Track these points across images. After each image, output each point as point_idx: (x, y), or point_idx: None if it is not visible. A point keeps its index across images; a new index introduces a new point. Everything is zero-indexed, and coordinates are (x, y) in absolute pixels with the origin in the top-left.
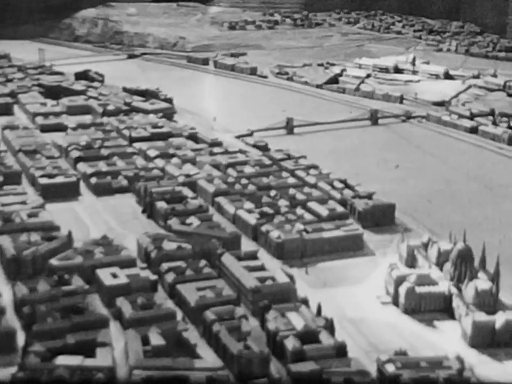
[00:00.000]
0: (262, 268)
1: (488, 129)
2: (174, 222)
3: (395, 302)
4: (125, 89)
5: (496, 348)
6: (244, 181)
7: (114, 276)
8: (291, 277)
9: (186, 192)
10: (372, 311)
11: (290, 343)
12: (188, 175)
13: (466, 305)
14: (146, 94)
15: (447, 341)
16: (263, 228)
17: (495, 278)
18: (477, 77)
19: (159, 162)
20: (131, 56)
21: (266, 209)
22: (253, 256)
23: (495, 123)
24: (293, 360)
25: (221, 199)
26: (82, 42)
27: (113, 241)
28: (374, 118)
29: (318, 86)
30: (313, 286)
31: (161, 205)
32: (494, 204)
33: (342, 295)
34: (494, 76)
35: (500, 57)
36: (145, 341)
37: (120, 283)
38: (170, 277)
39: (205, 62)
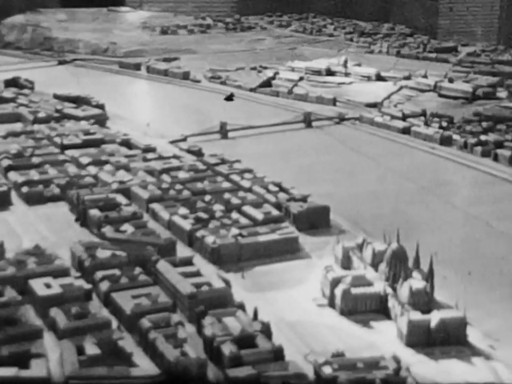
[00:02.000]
0: (197, 274)
1: (420, 129)
2: (108, 230)
3: (331, 304)
4: (55, 96)
5: (431, 347)
6: (178, 186)
7: (48, 286)
8: (227, 282)
9: (120, 199)
10: (309, 314)
11: (227, 348)
12: (121, 182)
13: (401, 305)
14: (78, 101)
15: (383, 341)
16: (198, 233)
17: (429, 277)
18: (408, 78)
19: (92, 170)
20: (62, 62)
21: (201, 214)
22: (188, 262)
23: (427, 124)
24: (230, 365)
25: (155, 205)
26: (12, 49)
27: (46, 251)
28: (307, 120)
29: (252, 90)
30: (249, 290)
31: (94, 212)
32: (427, 203)
33: (279, 299)
34: (425, 76)
35: (430, 58)
36: (80, 350)
37: (53, 293)
38: (104, 286)
39: (137, 67)
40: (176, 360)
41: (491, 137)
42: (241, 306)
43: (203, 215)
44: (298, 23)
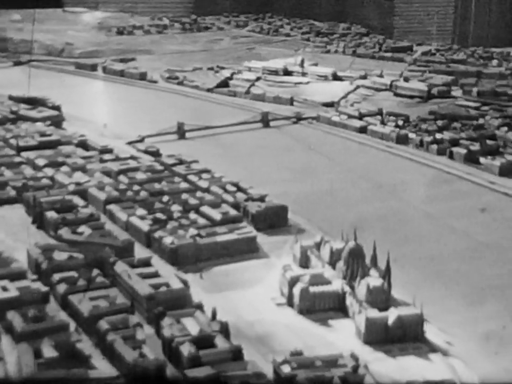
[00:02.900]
0: (156, 275)
1: (376, 128)
2: (65, 232)
3: (290, 303)
4: (11, 98)
5: (389, 344)
6: (135, 187)
7: (4, 289)
8: (185, 283)
9: (77, 200)
10: (267, 313)
11: (186, 349)
12: (78, 183)
13: (359, 303)
14: (34, 102)
15: (341, 339)
16: (156, 234)
17: (386, 275)
18: (364, 77)
19: (48, 171)
20: (17, 64)
21: (159, 215)
22: (146, 263)
23: (383, 122)
24: (189, 365)
25: (112, 207)
26: None
27: (3, 254)
28: (265, 120)
29: (209, 90)
30: (208, 291)
31: (51, 214)
32: (384, 201)
33: (238, 298)
34: (381, 76)
35: (386, 58)
36: (37, 353)
37: (10, 296)
38: (62, 288)
39: (94, 68)
40: (135, 361)
41: (446, 135)
42: (200, 307)
43: (161, 216)
44: (255, 23)
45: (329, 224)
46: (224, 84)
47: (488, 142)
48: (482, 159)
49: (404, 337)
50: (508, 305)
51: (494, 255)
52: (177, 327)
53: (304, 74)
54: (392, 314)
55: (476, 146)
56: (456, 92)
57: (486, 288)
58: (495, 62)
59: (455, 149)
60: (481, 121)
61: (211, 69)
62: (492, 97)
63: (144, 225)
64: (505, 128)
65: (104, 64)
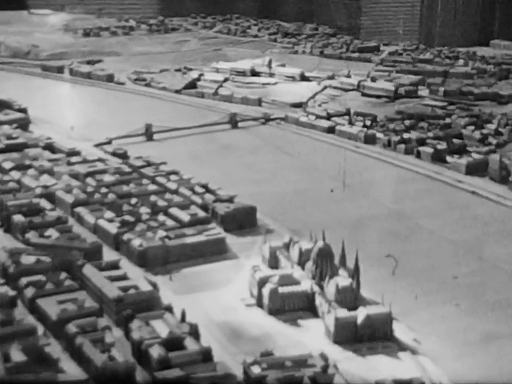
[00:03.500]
0: (124, 277)
1: (344, 128)
2: (32, 235)
3: (259, 304)
4: None
5: (359, 343)
6: (103, 189)
7: None
8: (154, 285)
9: (44, 204)
10: (237, 314)
11: (155, 351)
12: (45, 186)
13: (328, 303)
14: None
15: (311, 339)
16: (125, 237)
17: (355, 274)
18: (331, 77)
19: (15, 175)
20: None
21: (127, 217)
22: (114, 265)
23: (351, 122)
24: (159, 368)
25: (80, 209)
26: None
27: None
28: (233, 121)
29: (177, 91)
30: (177, 292)
31: (18, 218)
32: (352, 201)
33: (207, 300)
34: (348, 76)
35: (353, 58)
36: (6, 357)
37: None
38: (29, 292)
39: (60, 70)
40: (104, 364)
41: (414, 134)
42: (169, 309)
43: (129, 218)
44: (223, 24)
45: (298, 225)
46: (192, 85)
47: (455, 141)
48: (449, 158)
49: (373, 336)
50: (477, 303)
51: (462, 253)
52: (146, 330)
53: (271, 75)
54: (361, 314)
55: (442, 146)
56: (423, 91)
57: (456, 286)
58: (461, 61)
59: (422, 148)
60: (447, 120)
61: (178, 70)
62: (458, 97)
63: (112, 228)
64: (472, 127)
65: (71, 66)
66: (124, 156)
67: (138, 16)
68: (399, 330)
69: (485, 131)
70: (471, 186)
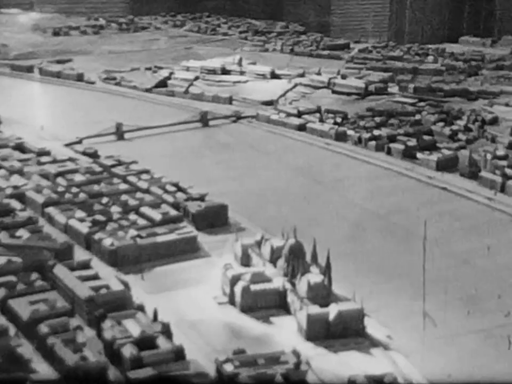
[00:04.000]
0: (95, 277)
1: (315, 126)
2: (2, 236)
3: (232, 302)
4: None
5: (331, 340)
6: (74, 189)
7: None
8: (126, 284)
9: (15, 204)
10: (210, 312)
11: (128, 351)
12: (15, 187)
13: (300, 300)
14: None
15: (284, 336)
16: (96, 236)
17: (326, 271)
18: (302, 75)
19: None
20: None
21: (98, 217)
22: (86, 265)
23: (321, 120)
24: (131, 367)
25: (51, 210)
26: None
27: None
28: (204, 119)
29: (147, 90)
30: (149, 292)
31: None
32: (324, 198)
33: (179, 299)
34: (319, 74)
35: (323, 56)
36: None
37: None
38: (1, 293)
39: (30, 69)
40: (76, 364)
41: (384, 131)
42: (141, 308)
43: (100, 218)
44: (193, 23)
45: (270, 222)
46: (162, 83)
47: (425, 137)
48: (419, 155)
49: (345, 332)
50: (448, 298)
51: (433, 249)
52: (118, 329)
53: (242, 73)
54: (333, 310)
55: (413, 142)
56: (393, 88)
57: (427, 281)
58: (430, 58)
59: (392, 145)
60: (418, 117)
61: (149, 69)
62: (428, 93)
63: (84, 228)
64: (442, 124)
65: (41, 66)
66: (94, 155)
67: (108, 15)
68: (371, 327)
69: (454, 127)
70: (442, 182)
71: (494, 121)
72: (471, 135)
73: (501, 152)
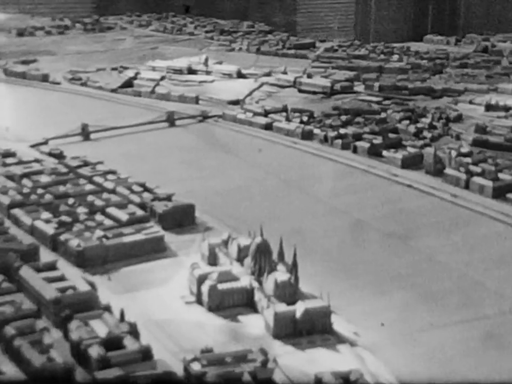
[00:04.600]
0: (62, 278)
1: (282, 125)
2: None
3: (199, 301)
4: None
5: (298, 337)
6: (40, 190)
7: None
8: (92, 285)
9: None
10: (177, 312)
11: (95, 351)
12: None
13: (267, 298)
14: None
15: (251, 334)
16: (62, 237)
17: (293, 269)
18: (268, 74)
19: None
20: None
21: (64, 218)
22: (52, 267)
23: (288, 119)
24: (98, 367)
25: (16, 211)
26: None
27: None
28: (171, 119)
29: (113, 90)
30: (116, 292)
31: None
32: (291, 197)
33: (147, 298)
34: (285, 73)
35: (289, 55)
36: None
37: None
38: None
39: None
40: (43, 366)
41: (350, 130)
42: (108, 308)
43: (66, 219)
44: (158, 23)
45: (237, 221)
46: (128, 84)
47: (390, 135)
48: (385, 152)
49: (312, 329)
50: (414, 294)
51: (398, 246)
52: (85, 330)
53: (208, 72)
54: (300, 308)
55: (378, 140)
56: (359, 87)
57: (392, 278)
58: (395, 57)
59: (358, 143)
60: (383, 115)
61: (115, 69)
62: (393, 92)
63: (50, 229)
64: (407, 122)
65: (5, 66)
66: (60, 156)
67: (73, 15)
68: (338, 324)
69: (419, 125)
70: (407, 179)
71: (458, 118)
72: (436, 133)
73: (465, 149)
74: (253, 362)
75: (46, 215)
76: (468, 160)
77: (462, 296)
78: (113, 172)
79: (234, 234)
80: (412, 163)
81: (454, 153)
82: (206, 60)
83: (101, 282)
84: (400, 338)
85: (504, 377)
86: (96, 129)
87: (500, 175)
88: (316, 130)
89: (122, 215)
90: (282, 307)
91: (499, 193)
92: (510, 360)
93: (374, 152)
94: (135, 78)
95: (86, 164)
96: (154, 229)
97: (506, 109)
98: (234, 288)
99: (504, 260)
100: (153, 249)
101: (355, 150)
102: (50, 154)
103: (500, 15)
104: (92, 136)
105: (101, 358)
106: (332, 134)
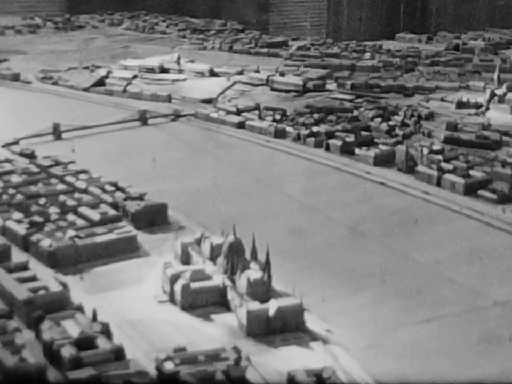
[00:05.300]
0: (34, 278)
1: (254, 123)
2: None
3: (172, 300)
4: None
5: (271, 335)
6: (11, 190)
7: None
8: (65, 285)
9: None
10: (150, 311)
11: (67, 351)
12: None
13: (240, 296)
14: None
15: (224, 333)
16: (34, 237)
17: (266, 267)
18: (241, 73)
19: None
20: None
21: (36, 218)
22: (24, 267)
23: (261, 117)
24: (70, 367)
25: None
26: None
27: None
28: (143, 118)
29: (85, 90)
30: (89, 292)
31: None
32: (264, 195)
33: (119, 298)
34: (257, 71)
35: (262, 53)
36: None
37: None
38: None
39: None
40: (15, 366)
41: (323, 128)
42: (80, 309)
43: (38, 219)
44: (130, 21)
45: (209, 220)
46: (100, 83)
47: (363, 133)
48: (357, 150)
49: (285, 327)
50: (386, 292)
51: (371, 244)
52: (57, 330)
53: (181, 71)
54: (273, 306)
55: (351, 138)
56: (331, 85)
57: (365, 276)
58: (367, 55)
59: (331, 141)
60: (355, 113)
61: (86, 68)
62: (365, 90)
63: (21, 229)
64: (379, 119)
65: None
66: (31, 156)
67: (44, 14)
68: (311, 321)
69: (391, 123)
70: (379, 177)
71: (430, 116)
72: (408, 131)
73: (436, 146)
74: (226, 361)
75: (17, 215)
76: (440, 157)
77: (434, 293)
78: (85, 172)
79: (207, 233)
80: (384, 161)
81: (425, 150)
82: (178, 58)
83: (73, 282)
84: (373, 335)
85: (477, 373)
86: (68, 128)
87: (471, 172)
88: (289, 129)
89: (95, 215)
90: (255, 305)
91: (470, 190)
92: (482, 356)
93: (347, 150)
94: (107, 77)
95: (57, 163)
96: (126, 229)
97: (477, 106)
98: (207, 287)
99: (476, 256)
100: (126, 249)
101: (328, 148)
102: (21, 154)
103: (471, 13)
104: (64, 135)
105: (73, 358)
106: (304, 132)
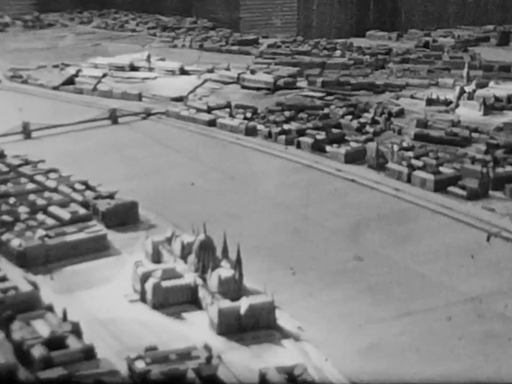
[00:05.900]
0: (3, 279)
1: (225, 121)
2: None
3: (143, 299)
4: None
5: (243, 333)
6: None
7: None
8: (35, 285)
9: None
10: (121, 310)
11: (37, 351)
12: None
13: (211, 295)
14: None
15: (195, 331)
16: (3, 237)
17: (237, 265)
18: (211, 71)
19: None
20: None
21: (5, 217)
22: None
23: (231, 115)
24: (41, 367)
25: None
26: None
27: None
28: (113, 117)
29: (55, 88)
30: (59, 292)
31: None
32: (235, 193)
33: (90, 298)
34: (228, 69)
35: (233, 51)
36: None
37: None
38: None
39: None
40: None
41: (293, 125)
42: (50, 308)
43: (8, 218)
44: (100, 19)
45: (181, 219)
46: (70, 81)
47: (334, 130)
48: (328, 148)
49: (256, 325)
50: (358, 288)
51: (343, 240)
52: (27, 330)
53: (151, 69)
54: (244, 304)
55: (322, 135)
56: (302, 82)
57: (336, 272)
58: (338, 52)
59: (302, 139)
60: (326, 110)
61: (56, 66)
62: (335, 87)
63: None
64: (349, 117)
65: None
66: (0, 155)
67: (12, 12)
68: (282, 319)
69: (362, 120)
70: (350, 174)
71: (400, 113)
72: (378, 128)
73: (407, 143)
74: (197, 359)
75: None
76: (410, 154)
77: (406, 288)
78: (55, 170)
79: (177, 232)
80: (355, 158)
81: (396, 147)
82: (149, 56)
83: (43, 282)
84: (345, 332)
85: (447, 370)
86: (38, 127)
87: (441, 169)
88: (260, 126)
89: (65, 214)
90: (226, 303)
91: (440, 186)
92: (454, 351)
93: (318, 147)
94: (76, 75)
95: (27, 162)
96: (97, 228)
97: (447, 103)
98: (178, 286)
99: (447, 252)
100: (96, 248)
101: (299, 146)
102: None
103: (440, 11)
104: (33, 134)
105: (44, 358)
106: (275, 129)
